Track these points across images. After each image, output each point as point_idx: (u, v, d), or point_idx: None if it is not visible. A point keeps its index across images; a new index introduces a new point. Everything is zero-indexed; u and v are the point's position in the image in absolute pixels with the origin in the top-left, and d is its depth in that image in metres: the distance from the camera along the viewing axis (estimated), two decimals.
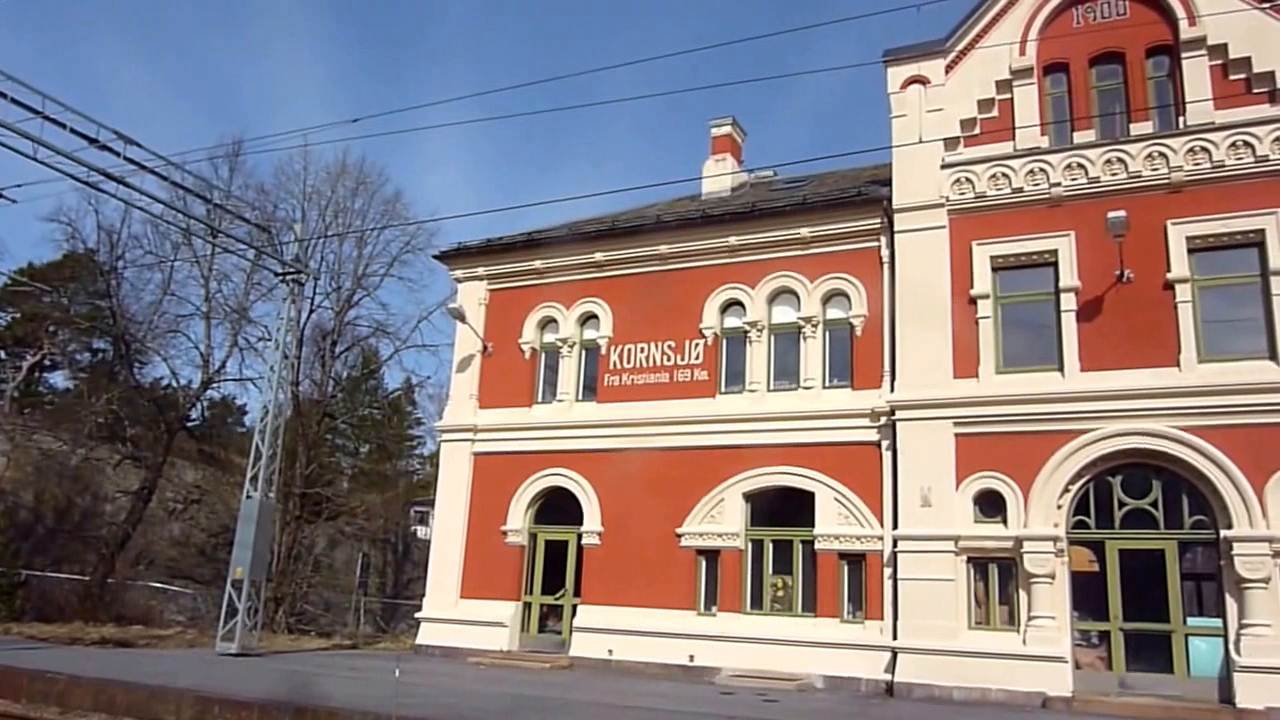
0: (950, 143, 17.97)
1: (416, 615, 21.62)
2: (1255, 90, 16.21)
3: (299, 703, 11.44)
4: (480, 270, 22.41)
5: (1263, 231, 15.55)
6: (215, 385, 35.23)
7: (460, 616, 20.25)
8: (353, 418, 39.67)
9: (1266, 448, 14.65)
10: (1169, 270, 15.90)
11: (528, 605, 20.25)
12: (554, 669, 18.16)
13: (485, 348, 21.82)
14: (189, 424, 36.22)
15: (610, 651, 18.48)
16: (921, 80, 18.45)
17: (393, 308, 66.56)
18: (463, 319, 21.71)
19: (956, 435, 16.62)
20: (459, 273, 22.78)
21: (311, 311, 33.02)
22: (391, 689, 11.96)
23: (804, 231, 18.97)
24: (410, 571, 40.95)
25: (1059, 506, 15.82)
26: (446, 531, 21.13)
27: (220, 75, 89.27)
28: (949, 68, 18.36)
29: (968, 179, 17.66)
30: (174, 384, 35.17)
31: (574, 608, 19.50)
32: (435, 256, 23.89)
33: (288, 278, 21.16)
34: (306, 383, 33.75)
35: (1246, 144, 15.89)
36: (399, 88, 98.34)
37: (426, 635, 20.71)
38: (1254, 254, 15.67)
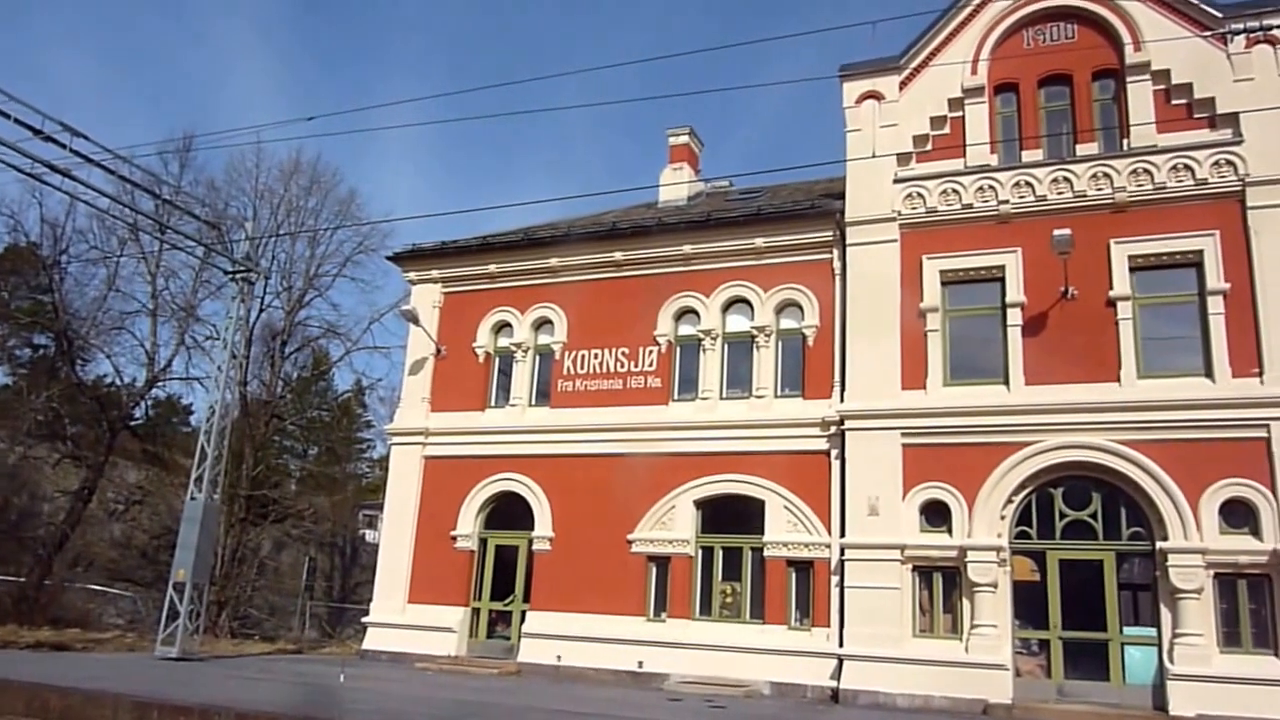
0: (903, 158, 18.28)
1: (363, 620, 21.42)
2: (1196, 115, 16.71)
3: (240, 708, 11.28)
4: (434, 273, 22.31)
5: (1201, 252, 16.03)
6: (160, 384, 34.55)
7: (408, 621, 20.10)
8: (302, 419, 39.13)
9: (1201, 462, 15.09)
10: (1111, 288, 16.33)
11: (476, 611, 20.16)
12: (502, 675, 18.10)
13: (438, 351, 21.72)
14: (132, 423, 35.44)
15: (559, 657, 18.47)
16: (876, 96, 18.75)
17: (344, 309, 65.78)
18: (416, 321, 21.59)
19: (904, 445, 16.89)
20: (413, 275, 22.66)
21: (261, 311, 32.55)
22: (337, 694, 11.87)
23: (759, 242, 19.17)
24: (358, 576, 40.50)
25: (1002, 517, 16.14)
26: (395, 536, 20.98)
27: (172, 68, 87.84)
28: (903, 84, 18.68)
29: (919, 194, 17.98)
30: (118, 382, 34.43)
31: (523, 613, 19.46)
32: (389, 258, 23.73)
33: (238, 276, 20.88)
34: (255, 383, 33.27)
35: (1187, 167, 16.38)
36: (355, 87, 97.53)
37: (373, 640, 20.53)
38: (1192, 274, 16.15)
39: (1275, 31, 16.21)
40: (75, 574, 30.80)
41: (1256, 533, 14.75)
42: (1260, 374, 15.21)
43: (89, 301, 32.34)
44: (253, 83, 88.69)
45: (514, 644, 19.35)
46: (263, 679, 15.72)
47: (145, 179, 21.65)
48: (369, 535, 42.24)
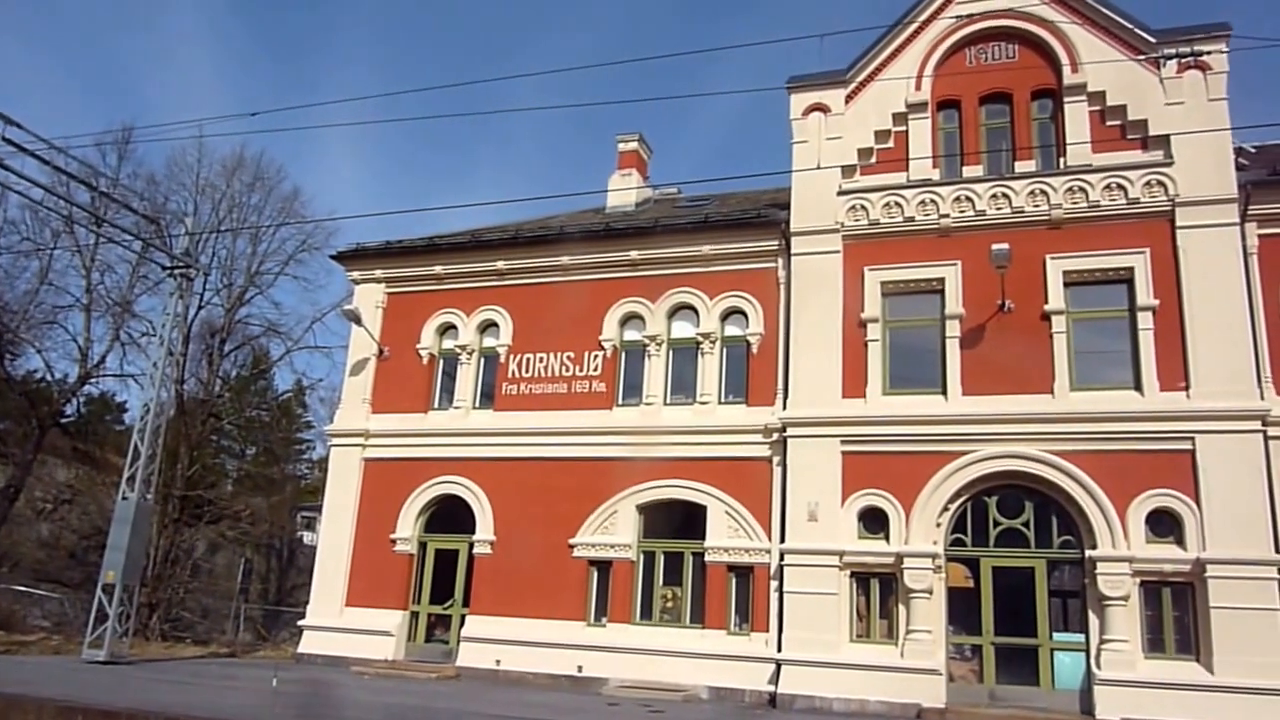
0: (847, 170, 18.56)
1: (300, 623, 21.12)
2: (1129, 136, 17.21)
3: (169, 713, 11.08)
4: (378, 273, 22.11)
5: (1132, 269, 16.52)
6: (93, 381, 33.72)
7: (345, 625, 19.85)
8: (240, 419, 38.44)
9: (1129, 473, 15.54)
10: (1046, 302, 16.74)
11: (415, 614, 19.99)
12: (440, 679, 17.96)
13: (381, 351, 21.52)
14: (63, 420, 34.57)
15: (498, 662, 18.39)
16: (822, 108, 19.02)
17: (286, 307, 64.81)
18: (358, 321, 21.36)
19: (844, 453, 17.12)
20: (356, 274, 22.42)
21: (200, 308, 32.01)
22: (269, 698, 11.71)
23: (705, 249, 19.32)
24: (295, 578, 39.87)
25: (938, 524, 16.44)
26: (333, 538, 20.72)
27: (111, 58, 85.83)
28: (849, 98, 18.96)
29: (862, 206, 18.27)
30: (48, 378, 33.52)
31: (463, 617, 19.34)
32: (332, 257, 23.45)
33: (176, 272, 20.50)
34: (192, 381, 32.66)
35: (1120, 186, 16.86)
36: (302, 83, 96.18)
37: (309, 644, 20.24)
38: (1123, 290, 16.62)
39: (1205, 58, 16.77)
40: (0, 574, 29.90)
41: (1181, 542, 15.22)
42: (1187, 388, 15.71)
43: (20, 294, 31.49)
44: (195, 75, 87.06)
45: (453, 648, 19.22)
46: (194, 683, 15.44)
47: (82, 170, 21.22)
48: (307, 537, 41.60)
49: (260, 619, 34.07)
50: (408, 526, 20.16)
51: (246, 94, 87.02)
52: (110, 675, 15.67)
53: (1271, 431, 15.23)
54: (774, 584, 17.14)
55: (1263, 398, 15.41)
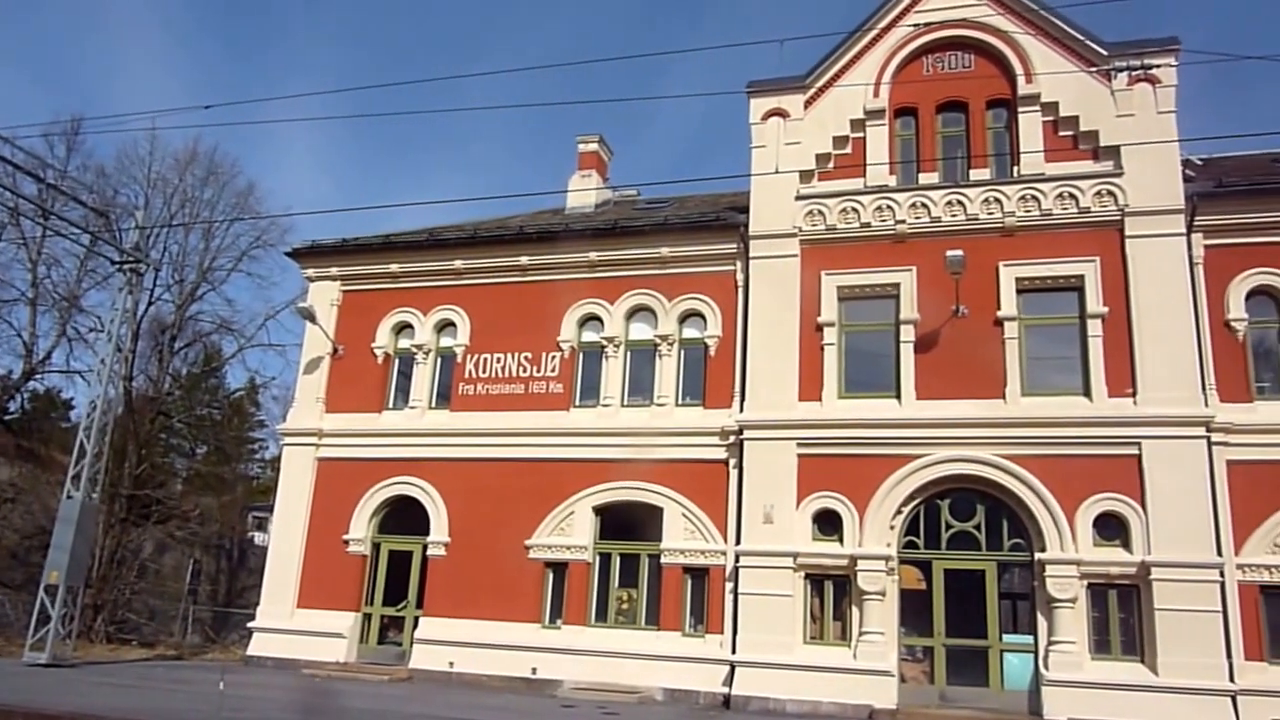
0: (805, 175, 18.70)
1: (249, 625, 20.81)
2: (1081, 147, 17.54)
3: (112, 716, 10.86)
4: (334, 270, 21.87)
5: (1082, 277, 16.82)
6: (39, 376, 33.04)
7: (296, 627, 19.60)
8: (190, 417, 37.80)
9: (1078, 477, 15.82)
10: (999, 308, 17.00)
11: (368, 616, 19.79)
12: (393, 681, 17.80)
13: (335, 350, 21.28)
14: (6, 416, 33.76)
15: (451, 664, 18.27)
16: (781, 113, 19.14)
17: (239, 304, 63.40)
18: (313, 319, 21.10)
19: (799, 456, 17.24)
20: (311, 272, 22.16)
21: (150, 303, 31.44)
22: (216, 701, 11.53)
23: (664, 251, 19.35)
24: (245, 579, 39.23)
25: (892, 527, 16.62)
26: (285, 539, 20.44)
27: (60, 47, 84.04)
28: (808, 103, 19.10)
29: (820, 211, 18.41)
30: None
31: (416, 619, 19.18)
32: (287, 254, 23.18)
33: (126, 266, 20.11)
34: (141, 378, 32.06)
35: (1071, 195, 17.16)
36: (258, 76, 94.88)
37: (259, 646, 19.95)
38: (1074, 297, 16.93)
39: (1155, 71, 17.18)
40: None
41: (1127, 545, 15.53)
42: (1134, 394, 16.03)
43: None
44: (148, 66, 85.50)
45: (406, 650, 19.05)
46: (139, 686, 15.16)
47: (28, 161, 20.73)
48: (258, 538, 41.00)
49: (209, 621, 33.51)
50: (361, 527, 19.95)
51: (201, 86, 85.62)
52: (52, 678, 15.33)
53: (1215, 437, 15.60)
54: (729, 585, 17.21)
55: (1207, 404, 15.77)
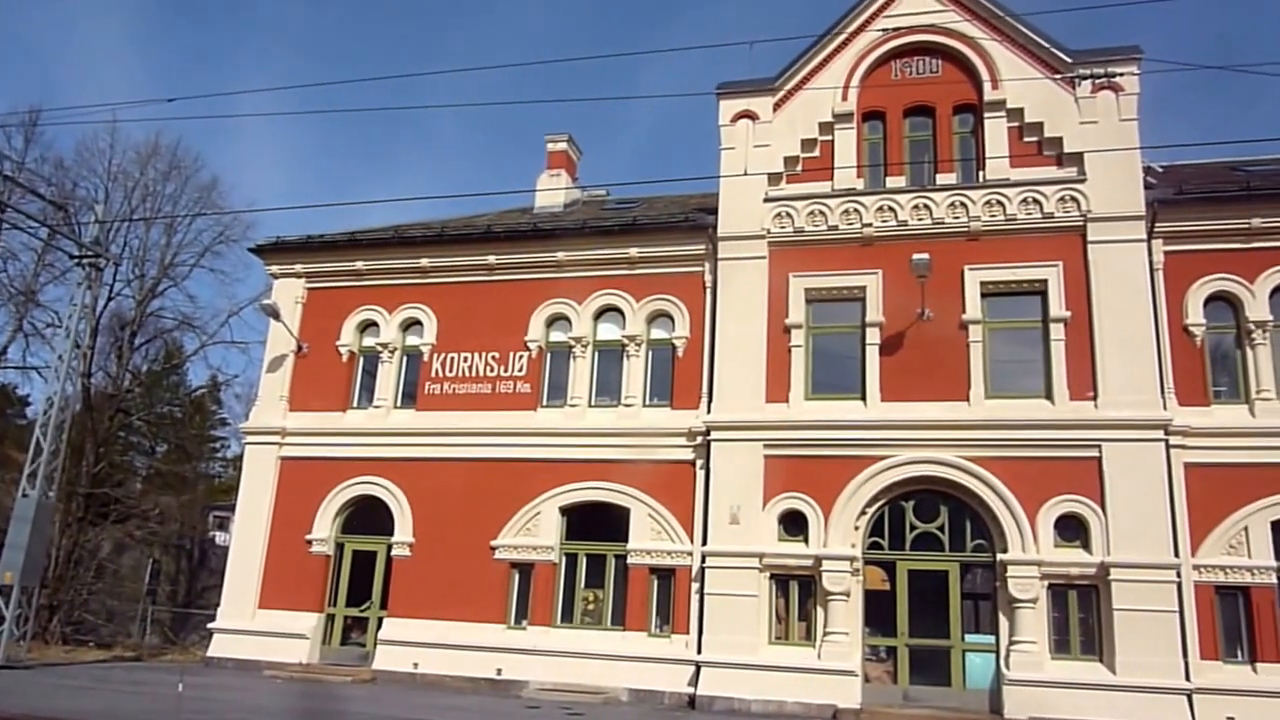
0: (774, 178, 18.76)
1: (210, 626, 20.53)
2: (1045, 153, 17.75)
3: (70, 718, 10.68)
4: (298, 267, 21.65)
5: (1046, 281, 17.04)
6: None
7: (258, 627, 19.37)
8: (150, 415, 37.26)
9: (1039, 479, 16.02)
10: (964, 312, 17.17)
11: (331, 617, 19.61)
12: (356, 682, 17.66)
13: (300, 348, 21.06)
14: None
15: (416, 665, 18.15)
16: (751, 116, 19.21)
17: (201, 300, 62.68)
18: (277, 316, 20.87)
19: (766, 457, 17.31)
20: (275, 268, 21.91)
21: (110, 299, 30.97)
22: (174, 703, 11.38)
23: (632, 252, 19.35)
24: (206, 579, 38.73)
25: (856, 528, 16.73)
26: (247, 538, 20.20)
27: (17, 35, 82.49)
28: (777, 106, 19.18)
29: (788, 214, 18.50)
30: None
31: (380, 620, 19.03)
32: (251, 250, 22.89)
33: (85, 261, 19.81)
34: (100, 375, 31.59)
35: (1036, 201, 17.38)
36: (222, 70, 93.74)
37: (220, 647, 19.70)
38: (1037, 302, 17.13)
39: (1118, 79, 17.43)
40: None
41: (1087, 546, 15.75)
42: (1095, 398, 16.26)
43: None
44: (109, 58, 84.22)
45: (369, 651, 18.90)
46: (96, 688, 14.93)
47: None
48: (219, 537, 40.52)
49: (168, 622, 33.02)
50: (325, 527, 19.77)
51: (163, 79, 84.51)
52: (6, 680, 15.05)
53: (1173, 440, 15.87)
54: (695, 586, 17.24)
55: (1165, 408, 16.03)
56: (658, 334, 19.23)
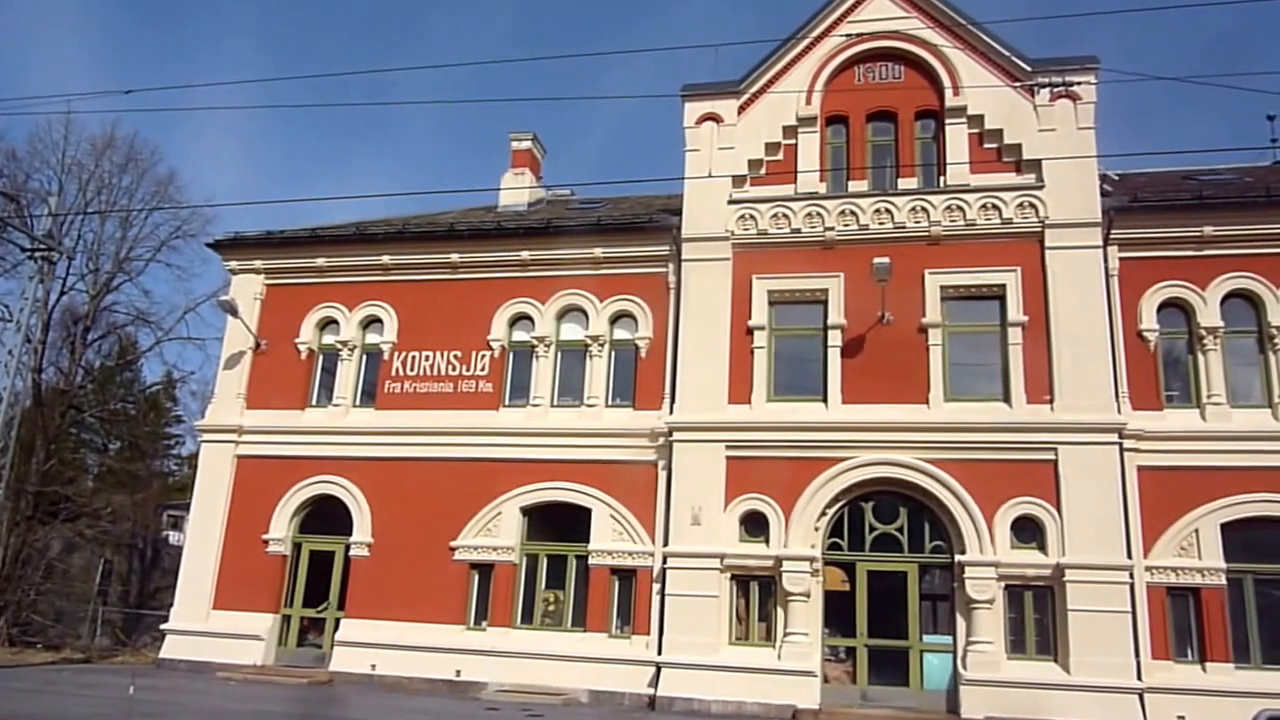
0: (738, 180, 18.83)
1: (163, 627, 20.19)
2: (1005, 159, 17.99)
3: None
4: (257, 263, 21.36)
5: (1004, 286, 17.26)
6: None
7: (212, 629, 19.08)
8: (103, 411, 36.55)
9: (997, 481, 16.23)
10: (924, 315, 17.34)
11: (287, 618, 19.36)
12: (312, 684, 17.46)
13: (258, 345, 20.79)
14: None
15: (373, 666, 17.97)
16: (715, 118, 19.26)
17: (157, 296, 61.40)
18: (234, 313, 20.58)
19: (728, 458, 17.36)
20: (234, 264, 21.61)
21: (63, 293, 30.33)
22: (124, 706, 11.17)
23: (596, 252, 19.33)
24: (159, 580, 38.03)
25: (816, 529, 16.83)
26: (202, 538, 19.89)
27: None
28: (741, 109, 19.26)
29: (752, 216, 18.58)
30: None
31: (337, 621, 18.83)
32: (209, 245, 22.53)
33: (37, 254, 19.37)
34: (51, 371, 30.93)
35: (995, 206, 17.60)
36: (181, 62, 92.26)
37: (172, 649, 19.38)
38: (996, 306, 17.35)
39: (1076, 88, 17.73)
40: None
41: (1043, 548, 15.97)
42: (1051, 401, 16.49)
43: None
44: (64, 47, 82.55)
45: (326, 652, 18.69)
46: (44, 690, 14.62)
47: None
48: (173, 537, 39.80)
49: (119, 623, 32.42)
50: (281, 527, 19.52)
51: (120, 70, 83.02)
52: None
53: (1127, 444, 16.15)
54: (656, 587, 17.25)
55: (1120, 411, 16.31)
56: (621, 334, 19.22)
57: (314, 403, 20.53)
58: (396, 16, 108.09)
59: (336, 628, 18.73)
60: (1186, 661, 15.60)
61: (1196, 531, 15.88)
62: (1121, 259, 17.26)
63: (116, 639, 30.86)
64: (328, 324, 20.88)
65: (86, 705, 12.84)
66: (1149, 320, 16.99)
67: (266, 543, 19.47)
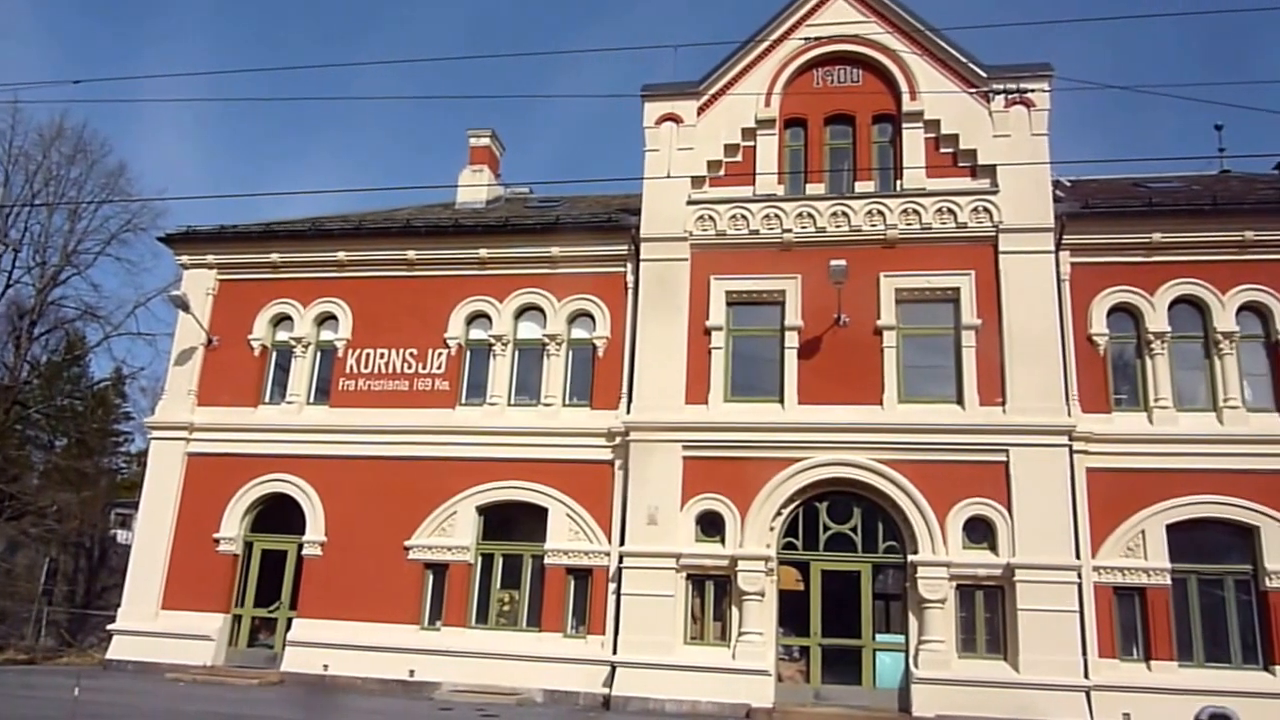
0: (697, 181, 18.87)
1: (109, 627, 19.82)
2: (960, 164, 18.20)
3: None
4: (210, 258, 21.03)
5: (958, 289, 17.47)
6: None
7: (160, 629, 18.76)
8: (49, 407, 35.82)
9: (949, 482, 16.42)
10: (879, 318, 17.50)
11: (238, 618, 19.09)
12: (263, 685, 17.23)
13: (210, 341, 20.47)
14: None
15: (326, 666, 17.78)
16: (675, 119, 19.29)
17: (106, 290, 60.34)
18: (186, 308, 20.25)
19: (685, 458, 17.40)
20: (186, 259, 21.25)
21: (9, 286, 29.81)
22: (69, 708, 10.95)
23: (554, 251, 19.27)
24: (106, 579, 37.37)
25: (772, 528, 16.92)
26: (151, 536, 19.55)
27: None
28: (701, 110, 19.30)
29: (710, 217, 18.63)
30: None
31: (289, 621, 18.60)
32: (160, 239, 22.16)
33: None
34: None
35: (950, 210, 17.80)
36: (132, 52, 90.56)
37: (120, 649, 19.02)
38: (950, 309, 17.55)
39: (1030, 95, 17.98)
40: None
41: (994, 548, 16.19)
42: (1003, 403, 16.73)
43: None
44: (10, 33, 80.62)
45: (278, 653, 18.45)
46: None
47: None
48: (121, 536, 39.15)
49: (65, 623, 31.79)
50: (233, 525, 19.24)
51: (69, 60, 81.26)
52: None
53: (1076, 446, 16.42)
54: (612, 586, 17.24)
55: (1070, 414, 16.57)
56: (578, 334, 19.18)
57: (267, 400, 20.26)
58: (353, 9, 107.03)
59: (289, 628, 18.51)
60: (1132, 660, 15.90)
61: (1143, 532, 16.19)
62: (1073, 264, 17.54)
63: (62, 640, 30.26)
64: (281, 320, 20.62)
65: (30, 707, 12.57)
66: (1099, 324, 17.28)
67: (217, 541, 19.18)
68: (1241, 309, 17.12)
